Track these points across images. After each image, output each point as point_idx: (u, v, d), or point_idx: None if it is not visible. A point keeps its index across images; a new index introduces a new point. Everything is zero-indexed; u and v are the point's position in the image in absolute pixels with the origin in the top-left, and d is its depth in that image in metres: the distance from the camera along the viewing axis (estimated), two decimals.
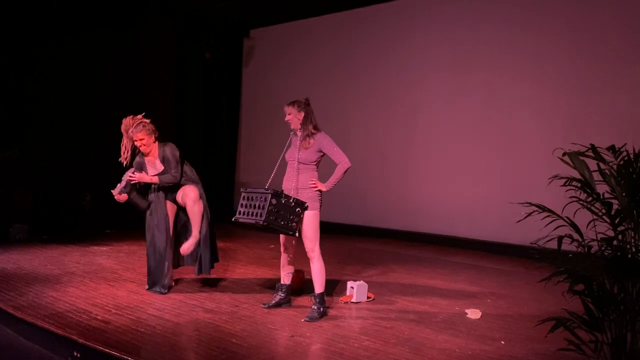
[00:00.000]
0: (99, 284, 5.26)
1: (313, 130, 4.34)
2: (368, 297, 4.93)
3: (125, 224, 8.52)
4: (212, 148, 10.55)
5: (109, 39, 8.89)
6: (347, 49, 9.30)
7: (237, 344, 3.71)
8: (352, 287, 4.89)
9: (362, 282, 4.97)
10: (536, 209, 2.94)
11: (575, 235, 2.84)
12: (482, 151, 7.81)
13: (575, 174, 2.82)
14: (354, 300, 4.83)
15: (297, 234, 4.27)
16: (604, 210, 2.76)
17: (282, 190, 4.29)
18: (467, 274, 6.24)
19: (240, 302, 4.73)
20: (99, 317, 4.21)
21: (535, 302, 5.04)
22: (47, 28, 8.21)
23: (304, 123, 4.35)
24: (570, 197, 2.83)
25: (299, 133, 4.40)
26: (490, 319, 4.49)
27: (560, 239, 2.76)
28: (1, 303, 4.53)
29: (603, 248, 2.74)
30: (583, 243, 2.83)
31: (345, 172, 4.30)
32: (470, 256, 7.31)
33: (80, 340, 3.70)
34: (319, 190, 4.34)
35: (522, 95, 7.47)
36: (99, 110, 8.64)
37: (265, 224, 4.09)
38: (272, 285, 5.26)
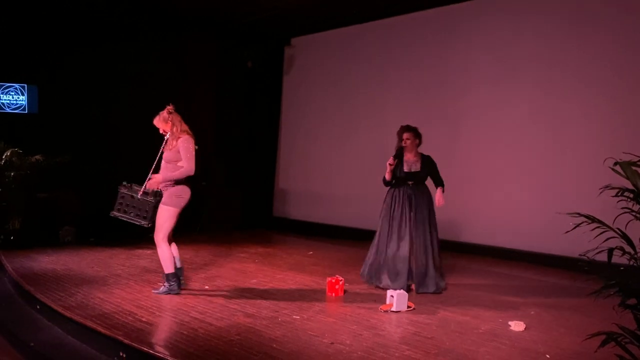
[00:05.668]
0: (143, 286, 5.40)
1: (179, 134, 4.91)
2: (408, 307, 4.88)
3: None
4: (253, 155, 10.74)
5: (150, 49, 9.27)
6: (389, 57, 9.26)
7: (277, 349, 3.74)
8: (392, 296, 4.85)
9: (402, 291, 4.93)
10: (585, 219, 2.85)
11: (627, 248, 2.74)
12: (527, 160, 7.63)
13: (627, 184, 2.73)
14: (394, 309, 4.79)
15: (148, 225, 4.87)
16: None
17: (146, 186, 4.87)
18: (510, 285, 6.10)
19: (280, 307, 4.77)
20: (143, 319, 4.32)
21: (581, 315, 4.88)
22: (87, 39, 8.61)
23: (170, 128, 4.94)
24: (622, 208, 2.74)
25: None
26: (534, 331, 4.38)
27: (610, 251, 2.67)
28: (52, 303, 4.71)
29: None
30: (636, 256, 2.73)
31: (186, 176, 4.86)
32: (514, 267, 7.14)
33: (126, 341, 3.80)
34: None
35: (569, 105, 7.27)
36: (142, 117, 8.88)
37: (112, 215, 4.92)
38: (312, 291, 5.29)
